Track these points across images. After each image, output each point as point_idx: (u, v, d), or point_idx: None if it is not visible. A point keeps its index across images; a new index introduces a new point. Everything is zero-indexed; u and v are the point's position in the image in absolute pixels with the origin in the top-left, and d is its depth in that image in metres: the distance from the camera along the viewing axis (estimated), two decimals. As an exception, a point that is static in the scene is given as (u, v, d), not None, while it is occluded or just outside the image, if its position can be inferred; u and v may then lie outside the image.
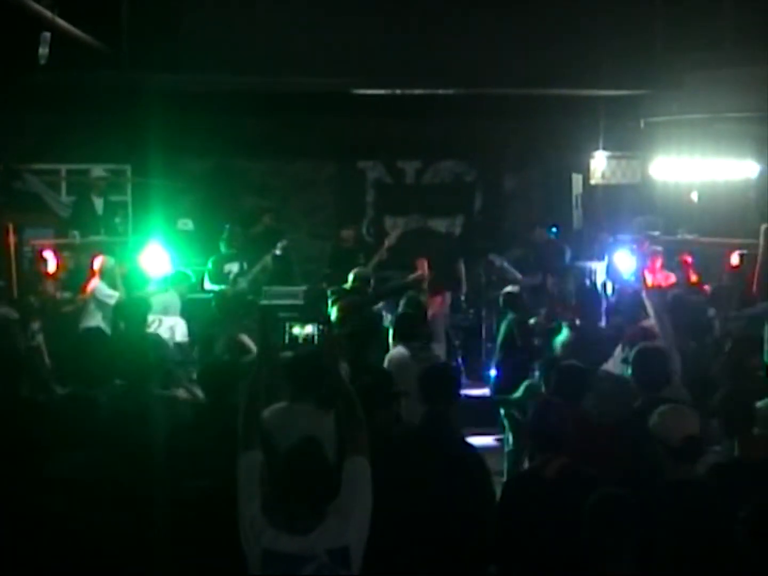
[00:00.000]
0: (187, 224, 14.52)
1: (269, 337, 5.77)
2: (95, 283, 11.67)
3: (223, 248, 13.25)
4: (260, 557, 4.87)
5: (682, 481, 5.56)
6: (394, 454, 6.00)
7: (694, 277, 12.24)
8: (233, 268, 13.06)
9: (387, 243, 13.90)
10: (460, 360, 13.53)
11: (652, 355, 7.35)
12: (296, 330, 5.98)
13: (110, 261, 11.91)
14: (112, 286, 11.61)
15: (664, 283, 12.00)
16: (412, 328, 8.96)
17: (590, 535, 4.90)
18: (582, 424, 6.48)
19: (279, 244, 13.54)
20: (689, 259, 12.77)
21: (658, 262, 12.68)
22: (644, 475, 5.76)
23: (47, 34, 11.44)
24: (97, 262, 11.86)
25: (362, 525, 4.95)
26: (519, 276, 13.31)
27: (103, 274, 11.74)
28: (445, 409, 6.33)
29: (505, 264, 13.68)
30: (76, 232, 13.56)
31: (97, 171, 14.78)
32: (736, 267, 12.07)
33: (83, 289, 11.85)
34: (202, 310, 12.22)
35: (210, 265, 13.06)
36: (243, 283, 12.83)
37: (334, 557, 4.83)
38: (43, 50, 11.43)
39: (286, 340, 6.01)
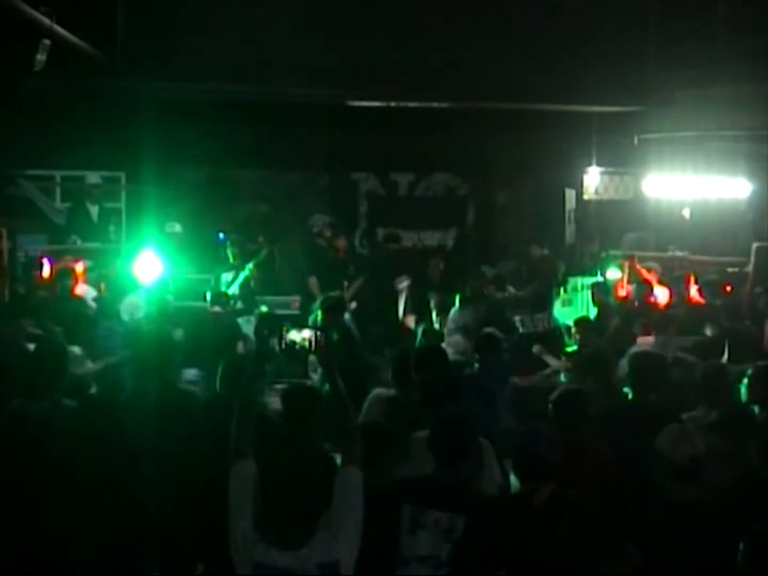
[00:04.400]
0: (174, 227, 14.44)
1: (266, 344, 5.74)
2: (83, 288, 11.64)
3: (231, 259, 13.32)
4: (251, 570, 4.84)
5: (685, 502, 5.56)
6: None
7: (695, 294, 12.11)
8: (228, 277, 13.07)
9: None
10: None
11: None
12: (293, 335, 5.95)
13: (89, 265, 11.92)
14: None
15: (662, 301, 11.97)
16: None
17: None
18: (575, 450, 6.35)
19: (261, 253, 13.61)
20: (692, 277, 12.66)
21: (655, 279, 12.67)
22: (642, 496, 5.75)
23: (47, 42, 11.43)
24: (80, 267, 11.84)
25: (353, 538, 4.89)
26: (511, 289, 13.32)
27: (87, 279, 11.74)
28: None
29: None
30: (76, 237, 13.56)
31: (93, 178, 14.76)
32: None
33: (71, 293, 11.78)
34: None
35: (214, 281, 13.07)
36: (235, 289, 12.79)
37: (325, 572, 4.80)
38: (41, 57, 11.42)
39: (282, 346, 6.00)
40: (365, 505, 4.98)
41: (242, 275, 13.05)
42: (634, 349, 7.90)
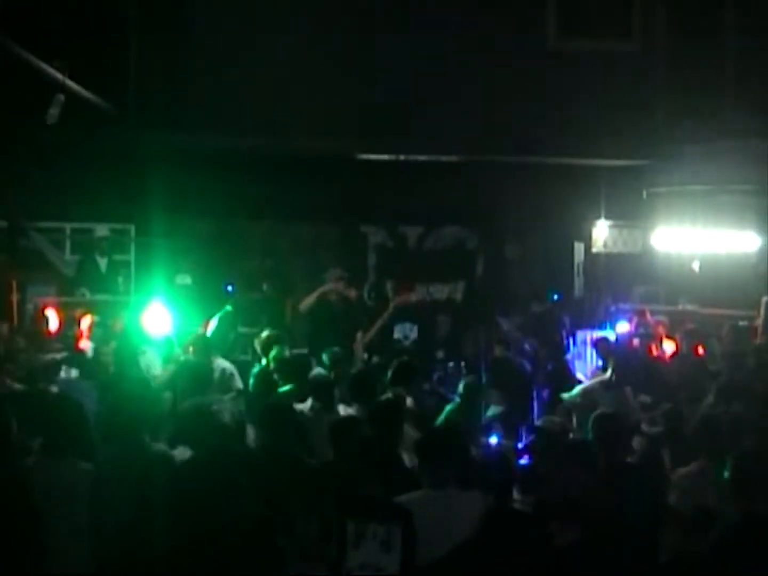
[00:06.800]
0: (185, 279, 14.43)
1: None
2: (86, 344, 11.58)
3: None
4: None
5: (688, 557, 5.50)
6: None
7: (700, 349, 12.10)
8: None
9: (392, 305, 13.72)
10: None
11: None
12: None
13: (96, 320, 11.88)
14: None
15: (667, 354, 11.98)
16: None
17: None
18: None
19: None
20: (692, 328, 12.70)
21: (662, 333, 12.66)
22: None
23: (61, 96, 11.50)
24: (85, 322, 11.81)
25: None
26: (523, 341, 13.28)
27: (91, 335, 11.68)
28: None
29: (511, 328, 13.71)
30: (84, 290, 13.55)
31: (101, 231, 14.74)
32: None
33: (74, 348, 11.72)
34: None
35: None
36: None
37: None
38: (54, 110, 11.48)
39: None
40: None
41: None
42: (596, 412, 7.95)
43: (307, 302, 13.38)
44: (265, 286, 14.66)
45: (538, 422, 8.81)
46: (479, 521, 6.00)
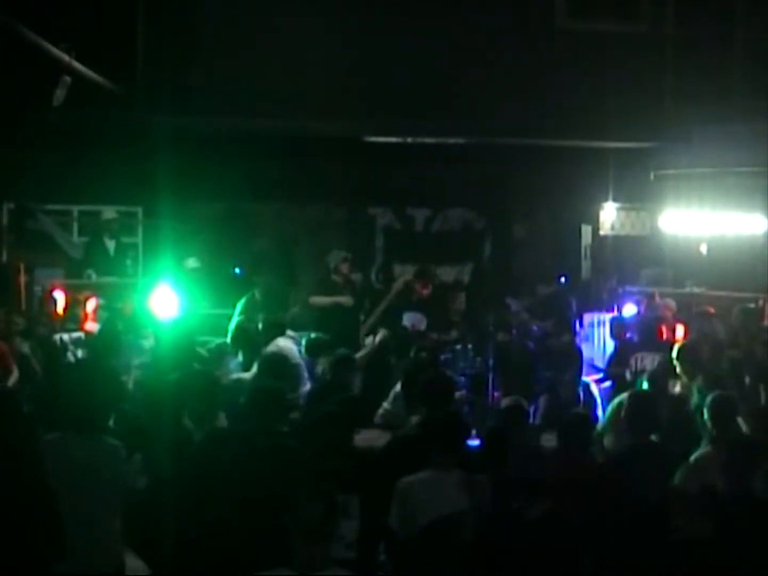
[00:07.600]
0: (191, 262, 14.41)
1: None
2: (92, 326, 11.61)
3: (258, 297, 12.93)
4: None
5: (694, 540, 5.52)
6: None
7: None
8: None
9: (394, 288, 13.76)
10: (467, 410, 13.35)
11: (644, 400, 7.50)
12: None
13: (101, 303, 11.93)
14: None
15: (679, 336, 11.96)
16: None
17: None
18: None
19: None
20: (712, 311, 12.70)
21: (670, 315, 12.66)
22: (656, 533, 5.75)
23: (67, 79, 11.50)
24: (90, 305, 11.84)
25: None
26: (532, 324, 13.28)
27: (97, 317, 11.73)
28: None
29: (520, 309, 13.71)
30: (91, 272, 13.57)
31: (109, 213, 14.77)
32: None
33: (80, 329, 11.77)
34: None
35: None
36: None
37: None
38: (60, 92, 11.49)
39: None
40: None
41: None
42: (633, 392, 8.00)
43: (320, 302, 13.33)
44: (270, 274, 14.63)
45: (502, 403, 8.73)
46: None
